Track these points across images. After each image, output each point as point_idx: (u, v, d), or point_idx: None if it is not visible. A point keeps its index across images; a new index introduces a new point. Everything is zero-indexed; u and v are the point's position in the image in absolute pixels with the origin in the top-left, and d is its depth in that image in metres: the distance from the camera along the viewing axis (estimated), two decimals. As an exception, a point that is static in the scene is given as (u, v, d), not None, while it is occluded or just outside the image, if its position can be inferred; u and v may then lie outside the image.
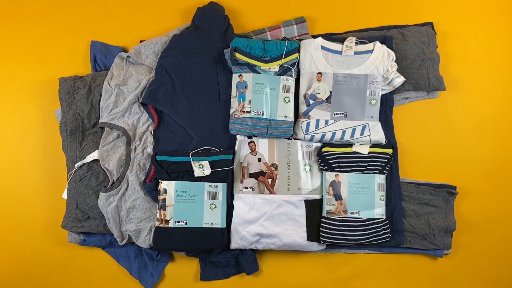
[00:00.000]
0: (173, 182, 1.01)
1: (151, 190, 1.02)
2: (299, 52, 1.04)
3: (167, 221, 1.01)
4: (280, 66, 1.02)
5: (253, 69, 1.02)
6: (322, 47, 1.06)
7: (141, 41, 1.11)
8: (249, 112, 1.01)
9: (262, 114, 1.01)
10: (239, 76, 1.02)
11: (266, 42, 1.04)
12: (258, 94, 1.02)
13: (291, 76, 1.04)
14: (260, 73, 1.02)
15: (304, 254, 1.10)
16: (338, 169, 1.04)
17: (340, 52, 1.06)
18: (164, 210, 1.01)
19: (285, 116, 1.02)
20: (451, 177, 1.12)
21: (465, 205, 1.12)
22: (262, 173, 1.05)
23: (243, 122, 1.01)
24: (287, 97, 1.03)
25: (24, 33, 1.15)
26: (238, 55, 1.01)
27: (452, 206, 1.09)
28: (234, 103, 1.02)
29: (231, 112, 1.03)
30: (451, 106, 1.13)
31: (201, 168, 1.01)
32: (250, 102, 1.01)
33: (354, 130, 1.05)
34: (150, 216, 1.05)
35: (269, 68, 1.01)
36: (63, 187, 1.09)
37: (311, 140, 1.06)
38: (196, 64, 1.06)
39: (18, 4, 1.16)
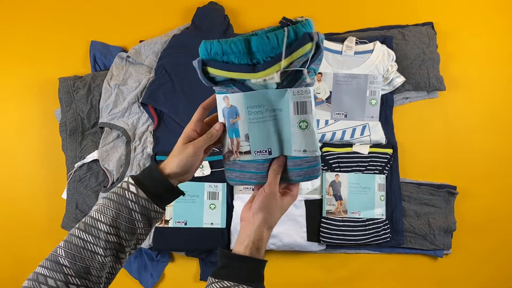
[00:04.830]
0: (173, 182, 1.00)
1: (151, 190, 1.02)
2: (311, 40, 0.52)
3: (167, 221, 1.01)
4: (281, 72, 0.54)
5: (240, 85, 0.58)
6: (322, 47, 1.06)
7: (141, 41, 1.11)
8: (248, 152, 0.61)
9: (270, 153, 0.61)
10: (224, 98, 0.60)
11: (252, 38, 0.55)
12: (257, 123, 0.60)
13: (307, 83, 0.57)
14: (253, 89, 0.58)
15: (304, 254, 1.10)
16: (338, 169, 1.04)
17: (340, 52, 1.06)
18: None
19: (304, 151, 0.60)
20: (451, 177, 1.11)
21: (465, 205, 1.11)
22: (262, 174, 1.00)
23: (244, 168, 0.62)
24: (304, 121, 0.59)
25: (24, 33, 1.15)
26: (212, 70, 0.58)
27: (452, 206, 1.09)
28: (225, 139, 0.63)
29: (223, 153, 0.64)
30: (451, 106, 1.13)
31: (201, 168, 1.00)
32: (247, 137, 0.61)
33: (354, 130, 1.05)
34: (150, 216, 1.05)
35: (265, 80, 0.55)
36: (63, 187, 1.09)
37: (311, 140, 1.05)
38: (196, 64, 1.05)
39: (18, 4, 1.16)
